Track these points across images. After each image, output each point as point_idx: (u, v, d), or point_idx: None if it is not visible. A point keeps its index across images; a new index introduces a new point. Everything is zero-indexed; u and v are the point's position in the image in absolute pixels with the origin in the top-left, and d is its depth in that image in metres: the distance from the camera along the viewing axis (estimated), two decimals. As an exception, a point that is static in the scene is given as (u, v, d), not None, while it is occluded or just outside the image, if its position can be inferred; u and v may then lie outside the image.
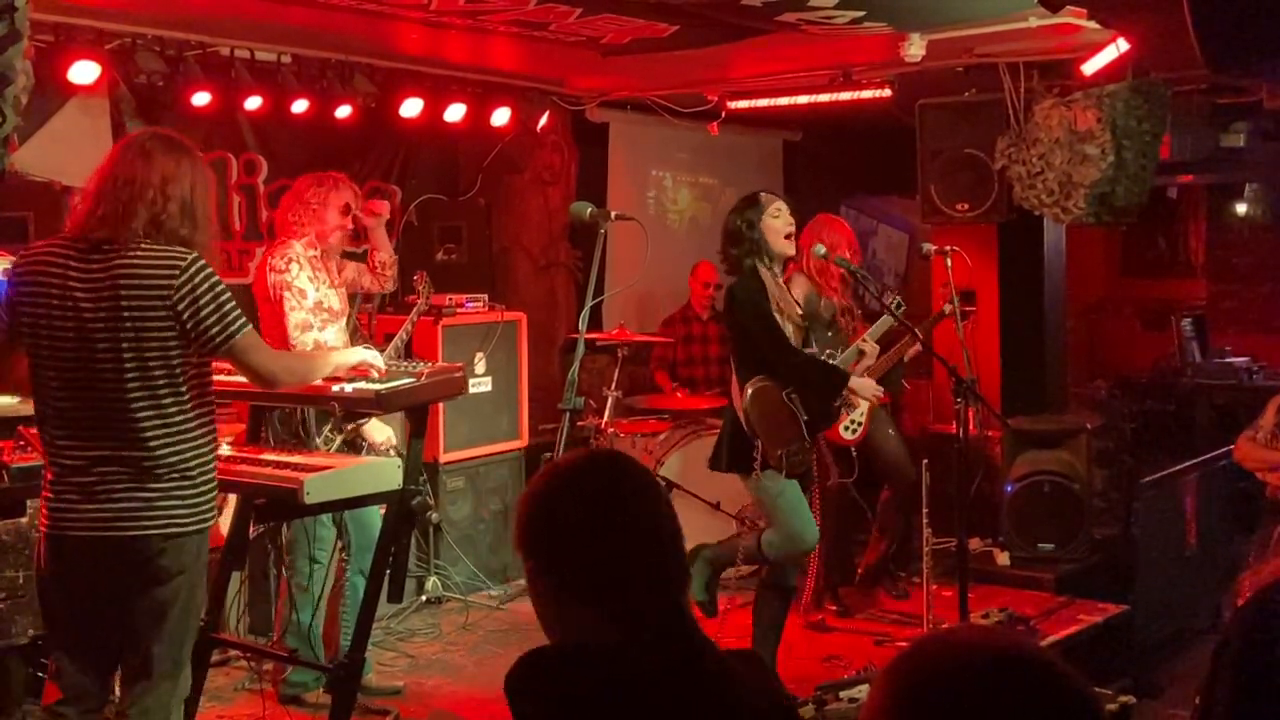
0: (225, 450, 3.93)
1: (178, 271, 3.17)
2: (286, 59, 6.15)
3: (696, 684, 1.71)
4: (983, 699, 1.23)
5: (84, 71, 5.31)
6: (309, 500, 3.46)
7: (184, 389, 3.22)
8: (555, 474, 1.85)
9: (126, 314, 3.14)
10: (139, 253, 3.17)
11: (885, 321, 5.18)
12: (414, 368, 3.84)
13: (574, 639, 1.78)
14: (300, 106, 6.17)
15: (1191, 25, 2.55)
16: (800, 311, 4.85)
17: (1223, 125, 7.16)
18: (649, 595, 1.76)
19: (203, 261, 3.23)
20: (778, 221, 4.73)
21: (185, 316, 3.17)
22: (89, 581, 3.22)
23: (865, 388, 4.85)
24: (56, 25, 5.26)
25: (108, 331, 3.15)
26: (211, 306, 3.19)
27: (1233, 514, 6.43)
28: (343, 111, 6.32)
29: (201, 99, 5.79)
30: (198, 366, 3.27)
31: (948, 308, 5.31)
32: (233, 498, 4.17)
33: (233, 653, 5.03)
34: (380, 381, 3.71)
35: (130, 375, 3.15)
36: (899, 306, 5.24)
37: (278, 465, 3.67)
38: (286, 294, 4.72)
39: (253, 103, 6.03)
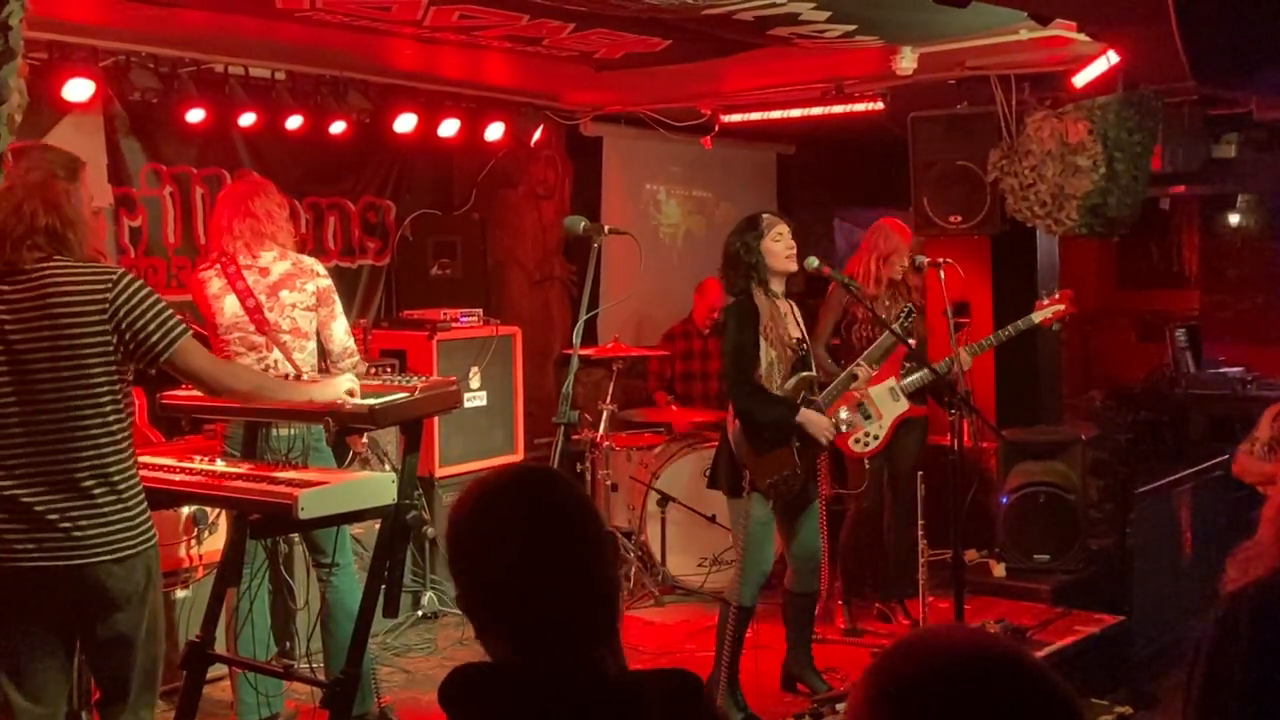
0: (219, 466, 3.93)
1: (109, 285, 3.15)
2: (281, 75, 6.17)
3: (588, 708, 1.71)
4: (962, 697, 1.23)
5: (78, 89, 5.32)
6: (303, 515, 3.45)
7: (123, 407, 3.21)
8: (470, 492, 1.84)
9: (65, 336, 3.10)
10: (62, 272, 3.13)
11: (884, 342, 5.21)
12: (408, 382, 3.84)
13: (492, 655, 1.79)
14: (294, 123, 6.18)
15: (1178, 37, 2.57)
16: (797, 336, 4.86)
17: (1214, 136, 7.18)
18: (545, 617, 1.74)
19: (131, 274, 3.23)
20: (778, 245, 4.77)
21: (125, 330, 3.14)
22: (38, 614, 3.17)
23: (817, 425, 4.76)
24: (50, 43, 5.27)
25: (46, 357, 3.10)
26: (151, 314, 3.18)
27: (1228, 524, 6.43)
28: (337, 127, 6.34)
29: (196, 116, 5.80)
30: (126, 382, 3.24)
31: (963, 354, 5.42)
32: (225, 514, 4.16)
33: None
34: (374, 396, 3.71)
35: (75, 399, 3.11)
36: (909, 314, 5.26)
37: (271, 481, 3.66)
38: (338, 300, 4.69)
39: (247, 119, 6.04)
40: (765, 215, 4.89)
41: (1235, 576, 4.79)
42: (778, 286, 4.84)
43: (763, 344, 4.74)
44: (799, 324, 4.91)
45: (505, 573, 1.76)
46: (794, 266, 4.83)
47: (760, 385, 4.73)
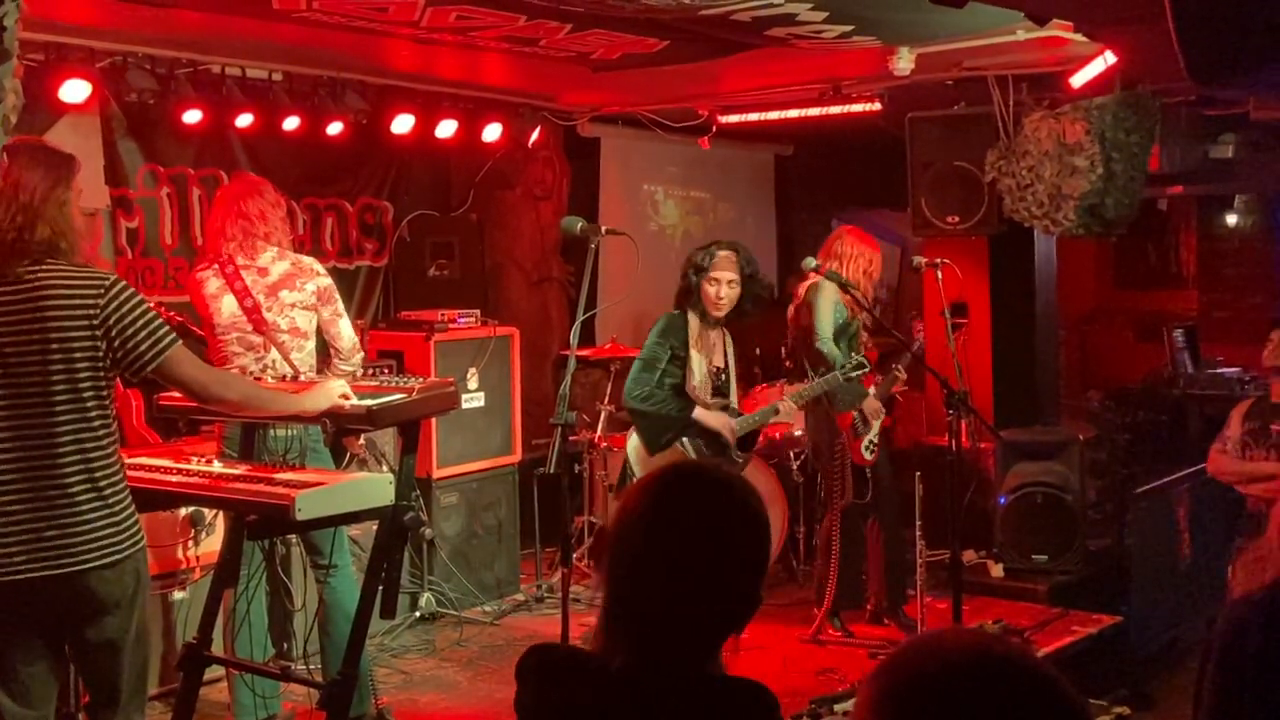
0: (216, 467, 3.93)
1: (101, 292, 3.12)
2: (278, 76, 6.17)
3: (665, 707, 1.71)
4: (968, 700, 1.23)
5: (75, 90, 5.32)
6: (300, 516, 3.44)
7: (109, 413, 3.19)
8: (645, 479, 1.85)
9: (54, 340, 3.07)
10: (54, 277, 3.11)
11: (817, 387, 5.36)
12: (405, 383, 3.84)
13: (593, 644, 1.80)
14: (292, 123, 6.18)
15: (1175, 38, 2.57)
16: (720, 365, 5.07)
17: (1211, 137, 7.19)
18: (651, 620, 1.75)
19: (124, 282, 3.21)
20: (710, 289, 4.98)
21: (114, 337, 3.12)
22: (28, 620, 3.15)
23: (715, 420, 4.96)
24: (47, 44, 5.27)
25: (35, 361, 3.08)
26: (141, 323, 3.15)
27: (1226, 524, 6.43)
28: (334, 128, 6.33)
29: (193, 116, 5.80)
30: (111, 388, 3.22)
31: (899, 373, 5.80)
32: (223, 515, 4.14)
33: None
34: (372, 397, 3.70)
35: (61, 404, 3.09)
36: (859, 366, 5.39)
37: (269, 482, 3.65)
38: (339, 297, 4.70)
39: (244, 120, 6.04)
40: (720, 254, 5.01)
41: (1244, 579, 4.78)
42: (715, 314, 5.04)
43: (695, 355, 4.94)
44: (726, 355, 5.11)
45: (637, 566, 1.76)
46: (718, 314, 5.01)
47: (654, 389, 4.91)
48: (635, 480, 1.86)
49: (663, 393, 4.90)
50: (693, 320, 4.96)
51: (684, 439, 4.92)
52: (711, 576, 1.75)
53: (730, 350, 5.16)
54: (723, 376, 5.07)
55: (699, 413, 4.92)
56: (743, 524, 1.79)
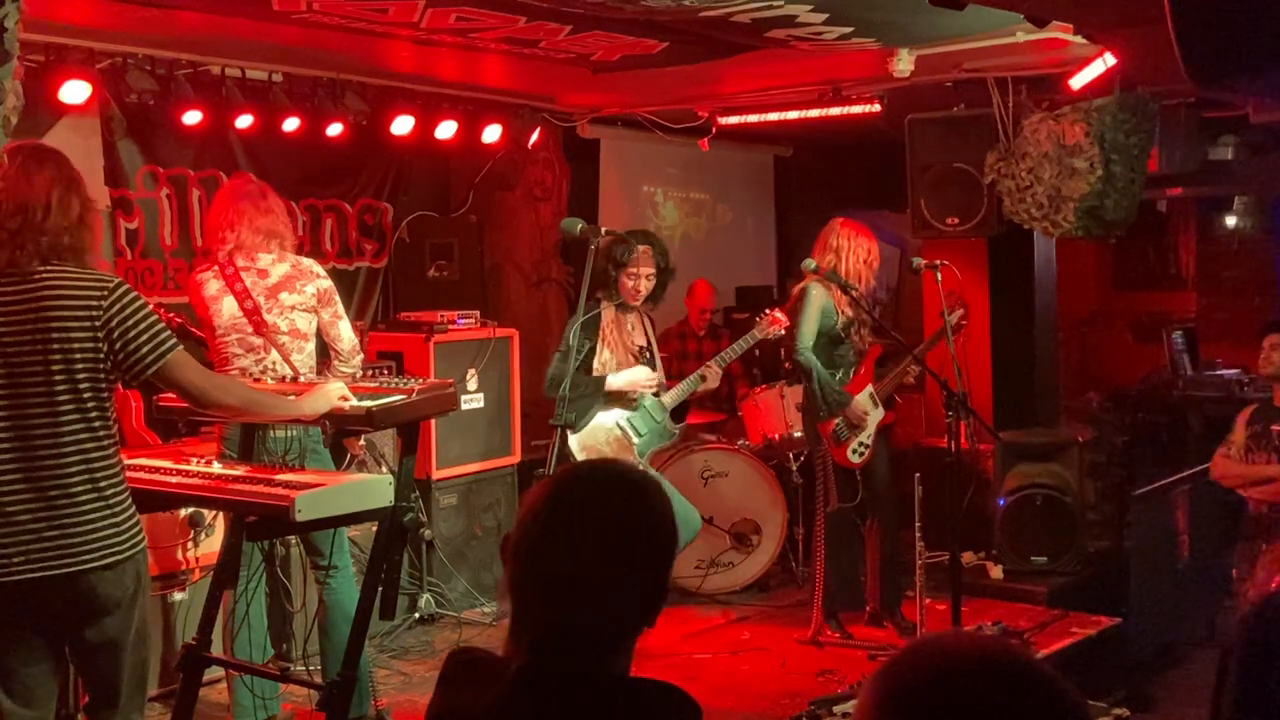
0: (216, 468, 3.93)
1: (105, 293, 3.13)
2: (277, 77, 6.17)
3: (576, 710, 1.70)
4: (970, 703, 1.23)
5: (75, 91, 5.32)
6: (300, 518, 3.44)
7: (109, 413, 3.20)
8: (548, 479, 1.85)
9: (55, 340, 3.08)
10: (58, 278, 3.12)
11: (739, 346, 5.46)
12: (405, 384, 3.84)
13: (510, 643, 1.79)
14: (291, 125, 6.18)
15: (1175, 40, 2.57)
16: (641, 344, 5.29)
17: (1210, 139, 7.19)
18: (554, 620, 1.74)
19: (127, 285, 3.21)
20: (629, 283, 5.19)
21: (115, 340, 3.12)
22: (28, 621, 3.15)
23: (631, 378, 5.20)
24: (47, 45, 5.27)
25: (36, 360, 3.08)
26: (142, 327, 3.16)
27: (1225, 526, 6.43)
28: (334, 129, 6.33)
29: (193, 118, 5.80)
30: (112, 389, 3.23)
31: (952, 317, 5.47)
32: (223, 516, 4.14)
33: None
34: (372, 398, 3.70)
35: (63, 404, 3.09)
36: (770, 331, 5.47)
37: (268, 483, 3.65)
38: (339, 299, 4.72)
39: (244, 121, 6.04)
40: (639, 249, 5.17)
41: (1267, 579, 4.79)
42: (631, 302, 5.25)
43: (600, 347, 5.17)
44: (647, 334, 5.34)
45: (534, 566, 1.76)
46: (635, 301, 5.24)
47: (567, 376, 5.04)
48: (546, 482, 1.84)
49: (576, 376, 5.03)
50: (607, 312, 5.20)
51: (619, 421, 5.18)
52: (607, 577, 1.73)
53: (650, 329, 5.41)
54: (646, 354, 5.32)
55: (610, 380, 5.16)
56: (643, 527, 1.78)
